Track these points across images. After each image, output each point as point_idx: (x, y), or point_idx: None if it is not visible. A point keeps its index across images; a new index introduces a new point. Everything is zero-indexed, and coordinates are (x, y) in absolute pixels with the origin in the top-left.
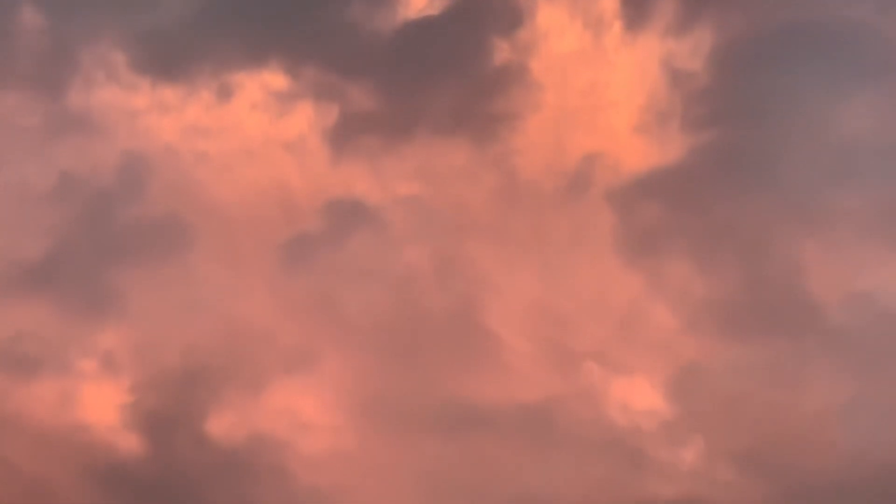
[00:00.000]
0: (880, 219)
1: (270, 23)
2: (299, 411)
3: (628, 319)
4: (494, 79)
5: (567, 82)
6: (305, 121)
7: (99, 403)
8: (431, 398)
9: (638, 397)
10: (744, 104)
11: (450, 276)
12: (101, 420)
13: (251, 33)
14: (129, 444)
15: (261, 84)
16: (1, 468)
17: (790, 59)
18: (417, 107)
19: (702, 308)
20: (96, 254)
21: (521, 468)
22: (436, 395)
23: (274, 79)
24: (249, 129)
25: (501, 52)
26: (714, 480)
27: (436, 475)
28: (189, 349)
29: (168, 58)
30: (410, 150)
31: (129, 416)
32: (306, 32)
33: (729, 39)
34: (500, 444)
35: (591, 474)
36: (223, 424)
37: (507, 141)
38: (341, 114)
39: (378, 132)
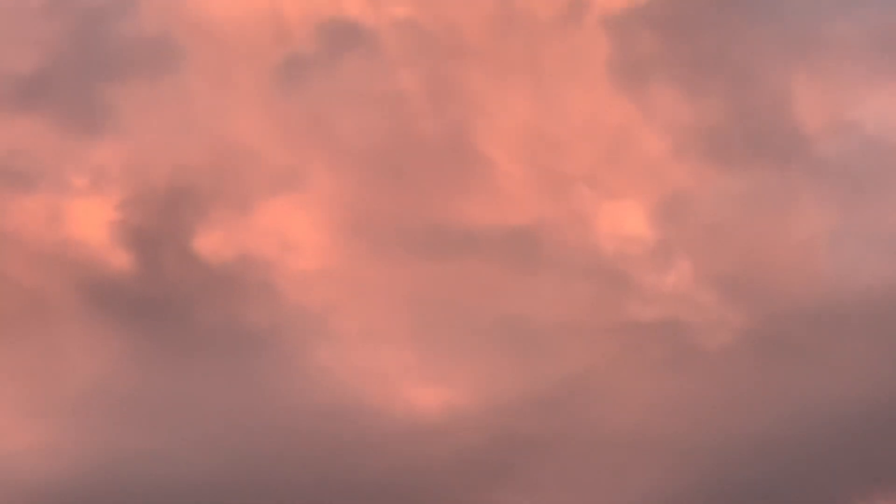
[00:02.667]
0: (870, 48)
1: None
2: (288, 231)
3: (618, 145)
4: None
5: None
6: None
7: (90, 219)
8: (420, 220)
9: (625, 222)
10: None
11: (442, 99)
12: (91, 236)
13: None
14: (120, 260)
15: None
16: None
17: None
18: None
19: (691, 136)
20: (89, 70)
21: (507, 290)
22: (425, 216)
23: None
24: None
25: None
26: (696, 305)
27: (423, 296)
28: (179, 167)
29: None
30: None
31: (118, 233)
32: None
33: None
34: (488, 266)
35: (577, 297)
36: (212, 242)
37: None
38: None
39: None
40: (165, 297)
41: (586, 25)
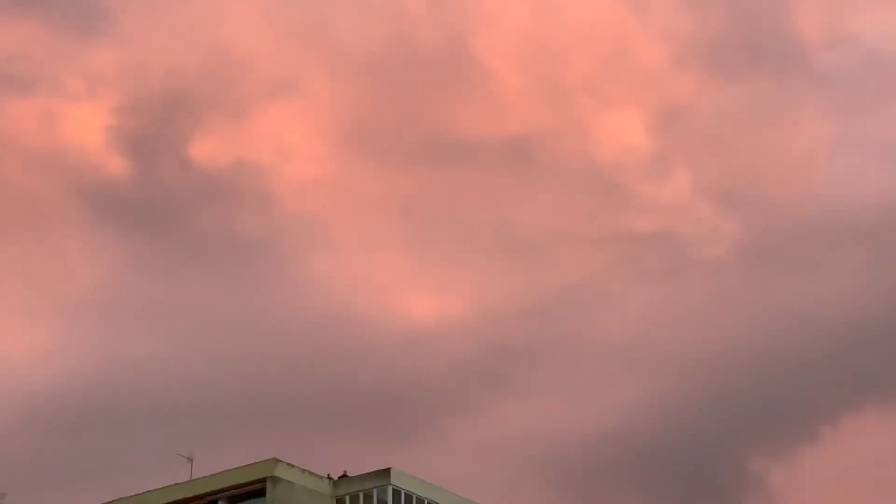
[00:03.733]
0: None
1: None
2: (284, 138)
3: (617, 55)
4: None
5: None
6: None
7: (85, 124)
8: (418, 128)
9: (623, 132)
10: None
11: (441, 7)
12: (87, 141)
13: None
14: (115, 165)
15: None
16: None
17: None
18: None
19: (690, 46)
20: None
21: (503, 199)
22: (422, 126)
23: None
24: None
25: None
26: (693, 216)
27: (419, 204)
28: (175, 73)
29: None
30: None
31: (114, 138)
32: None
33: None
34: (485, 176)
35: (573, 207)
36: (207, 149)
37: None
38: None
39: None
40: (161, 202)
41: None
